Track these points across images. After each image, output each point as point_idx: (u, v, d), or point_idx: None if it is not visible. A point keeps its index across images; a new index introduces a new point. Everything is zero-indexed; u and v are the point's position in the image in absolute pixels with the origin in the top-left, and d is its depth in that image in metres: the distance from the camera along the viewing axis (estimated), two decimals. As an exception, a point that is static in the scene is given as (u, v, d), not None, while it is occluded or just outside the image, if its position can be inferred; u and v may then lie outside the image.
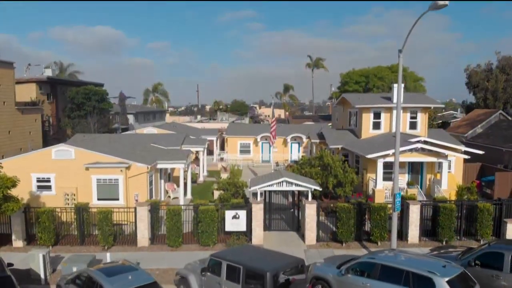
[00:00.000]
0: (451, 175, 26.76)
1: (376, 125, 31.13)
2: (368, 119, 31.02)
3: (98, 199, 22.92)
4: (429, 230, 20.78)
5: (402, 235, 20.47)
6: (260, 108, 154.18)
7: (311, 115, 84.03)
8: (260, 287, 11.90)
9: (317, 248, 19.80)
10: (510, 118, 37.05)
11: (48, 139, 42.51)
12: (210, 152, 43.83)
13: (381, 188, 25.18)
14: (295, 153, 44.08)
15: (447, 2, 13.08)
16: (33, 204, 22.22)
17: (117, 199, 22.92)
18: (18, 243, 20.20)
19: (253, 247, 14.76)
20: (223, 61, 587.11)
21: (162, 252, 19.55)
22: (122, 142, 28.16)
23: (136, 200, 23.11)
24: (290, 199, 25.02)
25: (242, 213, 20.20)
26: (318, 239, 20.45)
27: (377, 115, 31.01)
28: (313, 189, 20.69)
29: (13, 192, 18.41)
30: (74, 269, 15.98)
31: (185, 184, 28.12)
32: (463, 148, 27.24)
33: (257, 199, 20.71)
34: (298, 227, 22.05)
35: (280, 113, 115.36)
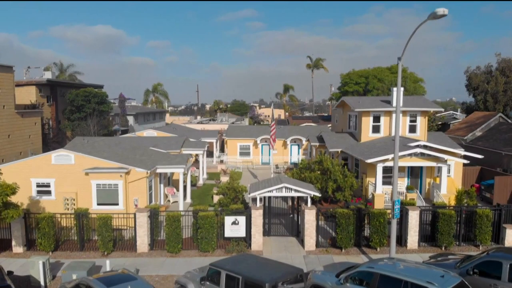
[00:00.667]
0: (450, 179, 26.79)
1: (376, 129, 31.16)
2: (367, 122, 31.05)
3: (98, 204, 22.98)
4: (428, 235, 20.79)
5: (402, 240, 20.49)
6: (260, 108, 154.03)
7: (311, 116, 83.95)
8: (259, 297, 11.91)
9: (316, 254, 19.81)
10: (509, 121, 37.05)
11: (48, 142, 42.53)
12: (210, 154, 43.86)
13: (380, 193, 25.20)
14: (295, 155, 44.09)
15: (446, 12, 13.09)
16: (33, 209, 22.27)
17: (117, 204, 22.96)
18: (18, 249, 20.21)
19: (252, 256, 14.75)
20: (223, 60, 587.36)
21: (162, 258, 19.56)
22: (122, 146, 28.18)
23: (136, 205, 23.16)
24: (290, 202, 25.05)
25: (242, 219, 20.22)
26: (318, 245, 20.46)
27: (376, 119, 31.04)
28: (312, 195, 20.68)
29: (13, 197, 18.41)
30: (74, 277, 16.03)
31: (185, 187, 28.14)
32: (462, 152, 27.24)
33: (256, 204, 20.73)
34: (297, 232, 22.06)
35: (280, 113, 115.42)
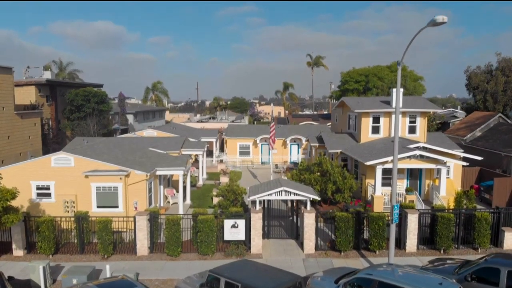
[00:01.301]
0: (449, 181, 26.84)
1: (375, 129, 31.18)
2: (367, 123, 31.07)
3: (98, 207, 23.05)
4: (427, 238, 20.84)
5: (400, 243, 20.54)
6: (259, 105, 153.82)
7: (311, 114, 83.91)
8: (258, 305, 11.96)
9: (315, 258, 19.87)
10: (509, 121, 37.05)
11: (48, 143, 42.55)
12: (209, 153, 43.87)
13: (379, 195, 25.26)
14: (295, 154, 44.14)
15: (445, 19, 13.08)
16: (32, 211, 22.32)
17: (117, 207, 23.04)
18: (18, 252, 20.26)
19: (252, 262, 14.80)
20: (223, 56, 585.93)
21: (162, 261, 19.62)
22: (122, 147, 28.16)
23: (136, 208, 23.21)
24: (289, 204, 25.09)
25: (241, 222, 20.27)
26: (317, 248, 20.51)
27: (376, 120, 31.06)
28: (311, 198, 20.72)
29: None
30: (74, 281, 16.09)
31: (185, 187, 28.13)
32: (462, 154, 27.29)
33: (256, 208, 20.78)
34: (297, 235, 22.10)
35: (280, 110, 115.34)
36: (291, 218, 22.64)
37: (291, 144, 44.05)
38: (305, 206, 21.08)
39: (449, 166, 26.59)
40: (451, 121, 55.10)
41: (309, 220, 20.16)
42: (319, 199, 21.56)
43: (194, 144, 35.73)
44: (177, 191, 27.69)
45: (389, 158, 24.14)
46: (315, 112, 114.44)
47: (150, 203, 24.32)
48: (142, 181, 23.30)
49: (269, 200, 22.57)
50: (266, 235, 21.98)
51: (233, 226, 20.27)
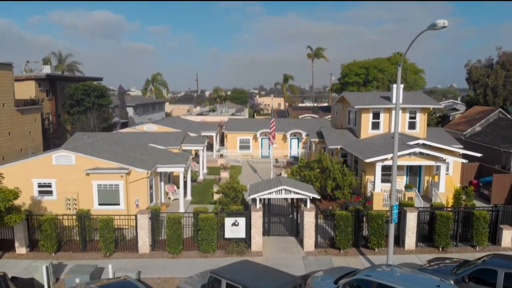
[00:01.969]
0: (448, 177, 26.96)
1: (375, 125, 31.23)
2: (367, 119, 31.11)
3: (99, 204, 23.19)
4: (426, 235, 21.02)
5: (399, 241, 20.73)
6: (259, 96, 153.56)
7: (311, 107, 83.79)
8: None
9: (315, 255, 20.08)
10: (509, 116, 37.08)
11: (49, 138, 42.62)
12: (210, 146, 43.91)
13: (379, 192, 25.40)
14: (295, 148, 44.26)
15: (446, 23, 13.08)
16: (34, 209, 22.51)
17: (118, 204, 23.19)
18: (21, 249, 20.47)
19: (252, 264, 14.97)
20: (223, 46, 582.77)
21: (163, 260, 19.81)
22: (122, 144, 28.25)
23: (137, 205, 23.37)
24: (290, 200, 25.25)
25: (242, 221, 20.45)
26: (317, 245, 20.70)
27: (376, 115, 31.09)
28: (311, 197, 20.87)
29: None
30: (77, 280, 16.30)
31: (185, 182, 28.18)
32: (461, 150, 27.39)
33: (256, 206, 20.94)
34: (297, 232, 22.30)
35: (280, 101, 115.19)
36: (291, 215, 22.80)
37: (291, 138, 44.13)
38: (305, 204, 21.23)
39: (448, 163, 26.68)
40: (452, 114, 55.11)
41: (309, 218, 20.33)
42: (319, 197, 21.69)
43: (194, 140, 35.81)
44: (178, 187, 27.83)
45: (389, 156, 24.24)
46: (315, 104, 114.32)
47: (151, 200, 24.47)
48: (143, 179, 23.43)
49: (269, 198, 22.71)
50: (266, 232, 22.17)
51: (234, 224, 20.45)
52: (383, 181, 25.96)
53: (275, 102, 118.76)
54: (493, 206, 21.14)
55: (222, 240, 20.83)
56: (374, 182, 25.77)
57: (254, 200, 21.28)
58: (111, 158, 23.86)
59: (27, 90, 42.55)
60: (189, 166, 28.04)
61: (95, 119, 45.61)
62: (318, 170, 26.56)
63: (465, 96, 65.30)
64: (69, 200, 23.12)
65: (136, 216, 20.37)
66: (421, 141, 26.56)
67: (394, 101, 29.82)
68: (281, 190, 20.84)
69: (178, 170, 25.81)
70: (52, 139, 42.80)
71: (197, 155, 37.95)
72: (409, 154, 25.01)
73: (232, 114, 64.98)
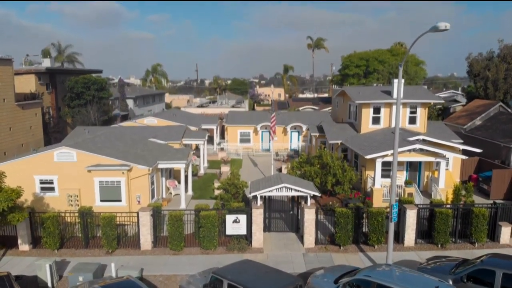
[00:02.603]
0: (448, 173, 27.07)
1: (376, 120, 31.26)
2: (367, 114, 31.13)
3: (101, 201, 23.37)
4: (425, 231, 21.19)
5: (399, 237, 20.92)
6: (260, 85, 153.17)
7: (311, 98, 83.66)
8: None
9: (315, 252, 20.28)
10: (509, 110, 37.07)
11: (49, 132, 42.66)
12: (210, 139, 43.91)
13: (379, 187, 25.54)
14: (295, 142, 44.32)
15: (448, 26, 13.07)
16: (37, 205, 22.65)
17: (120, 201, 23.38)
18: (24, 246, 20.66)
19: (253, 264, 15.15)
20: (223, 34, 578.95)
21: (165, 256, 20.01)
22: (123, 139, 28.29)
23: (139, 201, 23.55)
24: (290, 196, 25.36)
25: (243, 218, 20.62)
26: (317, 242, 20.89)
27: (376, 110, 31.11)
28: (312, 195, 21.01)
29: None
30: (80, 279, 16.52)
31: (186, 177, 28.22)
32: (461, 146, 27.46)
33: (257, 203, 21.09)
34: (297, 228, 22.48)
35: (280, 92, 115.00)
36: (291, 212, 22.95)
37: (291, 132, 44.17)
38: (306, 201, 21.37)
39: (448, 158, 26.77)
40: (452, 105, 55.08)
41: (309, 215, 20.49)
42: (319, 195, 21.84)
43: (195, 134, 35.88)
44: (179, 182, 27.97)
45: (389, 152, 24.31)
46: (316, 95, 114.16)
47: (152, 196, 24.65)
48: (145, 176, 23.56)
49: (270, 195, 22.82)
50: (267, 228, 22.36)
51: (235, 221, 20.63)
52: (383, 176, 26.08)
53: (276, 92, 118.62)
54: (492, 203, 21.28)
55: (223, 236, 21.01)
56: (374, 177, 25.89)
57: (255, 197, 21.41)
58: (112, 154, 23.96)
59: (27, 84, 42.49)
60: (190, 161, 28.14)
61: (96, 112, 45.62)
62: (318, 166, 26.68)
63: (466, 86, 65.19)
64: (71, 196, 23.27)
65: (138, 213, 20.53)
66: (421, 137, 26.62)
67: (395, 95, 29.82)
68: (282, 187, 20.97)
69: (179, 166, 25.94)
70: (52, 133, 42.86)
71: (197, 148, 38.01)
72: (409, 150, 25.09)
73: (233, 106, 64.92)
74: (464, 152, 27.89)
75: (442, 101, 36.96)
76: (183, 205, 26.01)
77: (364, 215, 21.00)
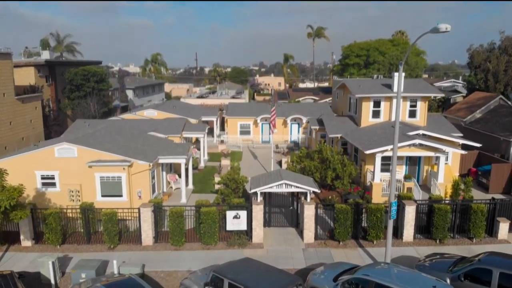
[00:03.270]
0: (447, 167, 27.17)
1: (376, 114, 31.27)
2: (368, 107, 31.12)
3: (102, 196, 23.51)
4: (424, 226, 21.37)
5: (398, 233, 21.11)
6: (260, 74, 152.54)
7: (311, 88, 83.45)
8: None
9: (315, 247, 20.49)
10: (509, 103, 37.03)
11: (49, 125, 42.67)
12: (210, 131, 43.92)
13: (378, 182, 25.69)
14: (295, 134, 44.35)
15: (449, 28, 13.04)
16: (38, 200, 22.81)
17: (121, 196, 23.51)
18: (26, 242, 20.85)
19: (254, 262, 15.33)
20: (223, 21, 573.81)
21: (166, 252, 20.21)
22: (123, 133, 28.35)
23: (139, 196, 23.70)
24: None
25: (243, 213, 20.78)
26: (316, 237, 21.09)
27: (377, 104, 31.09)
28: (311, 191, 21.15)
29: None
30: (83, 275, 16.72)
31: (186, 170, 28.28)
32: (461, 141, 27.53)
33: (257, 199, 21.25)
34: (297, 223, 22.66)
35: (281, 81, 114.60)
36: (291, 207, 23.11)
37: (291, 124, 44.17)
38: (305, 197, 21.53)
39: (447, 153, 26.85)
40: (452, 96, 54.99)
41: (309, 211, 20.66)
42: (319, 191, 21.98)
43: (195, 127, 35.93)
44: (180, 176, 28.10)
45: (389, 147, 24.41)
46: (316, 84, 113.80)
47: (153, 191, 24.80)
48: (145, 171, 23.67)
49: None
50: (267, 223, 22.53)
51: (235, 217, 20.80)
52: (382, 170, 26.17)
53: (276, 81, 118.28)
54: (491, 199, 21.42)
55: (223, 231, 21.18)
56: (373, 172, 26.02)
57: (255, 193, 21.57)
58: (113, 149, 24.02)
59: (27, 77, 42.37)
60: (190, 156, 28.24)
61: (95, 104, 45.57)
62: (318, 160, 26.77)
63: (467, 75, 65.01)
64: (72, 191, 23.42)
65: (139, 209, 20.69)
66: (421, 132, 26.68)
67: (395, 89, 29.78)
68: (282, 184, 21.11)
69: (179, 161, 26.05)
70: (53, 126, 42.89)
71: (198, 140, 38.08)
72: (409, 145, 25.17)
73: (233, 97, 64.73)
74: (464, 145, 27.99)
75: (442, 95, 36.89)
76: (183, 200, 26.21)
77: (364, 211, 21.17)
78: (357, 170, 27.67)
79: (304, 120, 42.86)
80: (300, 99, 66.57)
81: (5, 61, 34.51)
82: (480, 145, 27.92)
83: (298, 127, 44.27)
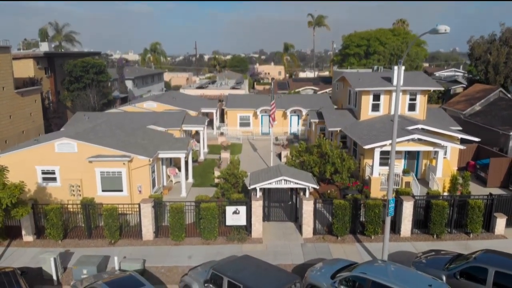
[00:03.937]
0: (446, 161, 27.26)
1: (375, 107, 31.29)
2: (367, 101, 31.12)
3: (103, 191, 23.68)
4: (421, 221, 21.56)
5: (396, 228, 21.34)
6: (260, 63, 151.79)
7: (311, 78, 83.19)
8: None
9: (313, 242, 20.72)
10: (509, 96, 36.99)
11: (49, 117, 42.66)
12: (210, 122, 43.93)
13: (377, 176, 25.83)
14: (295, 125, 44.37)
15: (448, 29, 13.03)
16: (39, 195, 22.98)
17: (121, 191, 23.69)
18: (28, 237, 21.06)
19: (253, 260, 15.54)
20: (223, 7, 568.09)
21: (167, 247, 20.43)
22: (123, 127, 28.39)
23: (140, 191, 23.87)
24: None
25: (242, 209, 20.96)
26: (315, 232, 21.32)
27: (376, 97, 31.08)
28: (310, 187, 21.30)
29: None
30: (84, 271, 16.98)
31: (186, 163, 28.36)
32: (460, 135, 27.60)
33: (256, 195, 21.42)
34: (295, 217, 22.85)
35: (281, 70, 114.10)
36: (290, 202, 23.29)
37: (291, 115, 44.16)
38: (304, 193, 21.69)
39: (446, 147, 26.93)
40: (452, 87, 54.90)
41: (307, 207, 20.85)
42: (318, 187, 22.13)
43: (194, 120, 35.95)
44: (179, 169, 28.22)
45: (388, 142, 24.52)
46: (317, 73, 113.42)
47: (153, 185, 24.96)
48: (145, 166, 23.80)
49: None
50: (266, 217, 22.73)
51: (235, 212, 20.98)
52: (381, 164, 26.29)
53: (276, 70, 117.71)
54: (488, 195, 21.57)
55: (223, 226, 21.38)
56: (372, 166, 26.14)
57: (254, 189, 21.72)
58: (113, 144, 24.10)
59: (26, 69, 42.19)
60: (189, 150, 28.33)
61: (95, 95, 45.51)
62: (318, 154, 26.89)
63: (468, 64, 64.80)
64: (73, 186, 23.59)
65: (139, 205, 20.86)
66: (420, 126, 26.74)
67: (395, 82, 29.74)
68: (281, 180, 21.25)
69: (179, 156, 26.16)
70: (53, 119, 42.88)
71: (197, 133, 38.12)
72: (408, 140, 25.24)
73: (232, 87, 64.50)
74: (463, 139, 28.06)
75: (442, 88, 36.82)
76: (183, 193, 26.40)
77: (362, 206, 21.35)
78: (356, 164, 27.79)
79: (304, 112, 42.85)
80: (300, 89, 66.45)
81: (4, 55, 34.38)
82: (479, 139, 27.99)
83: (298, 119, 44.28)
